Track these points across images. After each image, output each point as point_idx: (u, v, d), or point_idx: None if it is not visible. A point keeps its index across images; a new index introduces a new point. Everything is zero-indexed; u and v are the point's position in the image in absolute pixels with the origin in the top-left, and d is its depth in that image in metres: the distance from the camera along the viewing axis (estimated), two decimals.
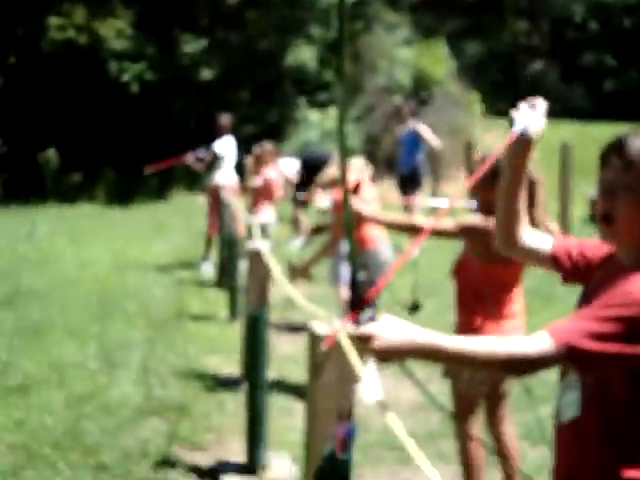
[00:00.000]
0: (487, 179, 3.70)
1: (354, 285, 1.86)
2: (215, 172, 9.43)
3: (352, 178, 6.28)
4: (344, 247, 6.48)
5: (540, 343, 1.75)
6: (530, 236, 2.15)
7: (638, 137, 1.85)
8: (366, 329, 1.80)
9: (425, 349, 1.78)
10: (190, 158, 9.71)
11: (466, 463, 3.76)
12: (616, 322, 1.74)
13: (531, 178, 3.66)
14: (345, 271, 6.48)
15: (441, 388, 4.52)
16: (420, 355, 1.80)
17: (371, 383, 5.50)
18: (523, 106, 2.05)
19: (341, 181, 1.96)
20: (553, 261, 2.10)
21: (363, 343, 1.79)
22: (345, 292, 6.41)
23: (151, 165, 10.15)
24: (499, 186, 2.14)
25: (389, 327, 1.79)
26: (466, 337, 1.82)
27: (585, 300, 1.98)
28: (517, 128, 2.01)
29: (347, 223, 1.99)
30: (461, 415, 3.77)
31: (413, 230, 3.55)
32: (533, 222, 3.66)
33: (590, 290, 2.00)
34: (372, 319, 1.83)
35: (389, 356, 1.79)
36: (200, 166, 9.69)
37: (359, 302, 1.85)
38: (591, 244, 2.12)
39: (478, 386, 3.75)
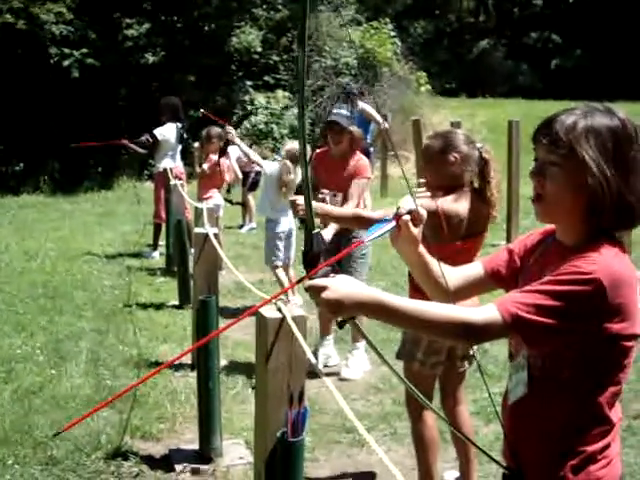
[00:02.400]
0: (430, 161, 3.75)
1: (310, 241, 1.83)
2: (161, 158, 9.28)
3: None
4: (280, 227, 6.49)
5: (488, 313, 1.76)
6: (457, 275, 2.15)
7: (564, 115, 1.86)
8: (320, 281, 1.78)
9: (377, 306, 1.77)
10: (125, 142, 9.53)
11: (418, 443, 3.78)
12: (565, 298, 1.74)
13: (483, 157, 3.69)
14: (280, 251, 6.50)
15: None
16: (372, 312, 1.79)
17: (358, 361, 5.53)
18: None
19: (303, 164, 1.93)
20: (493, 276, 2.12)
21: (316, 294, 1.77)
22: (280, 272, 6.44)
23: (83, 143, 9.94)
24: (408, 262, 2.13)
25: (342, 281, 1.78)
26: (420, 301, 1.81)
27: (522, 282, 1.98)
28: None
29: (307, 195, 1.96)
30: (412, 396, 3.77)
31: (360, 221, 3.54)
32: (486, 201, 3.70)
33: (526, 272, 2.01)
34: (328, 275, 1.81)
35: (340, 309, 1.77)
36: (141, 150, 9.52)
37: (314, 258, 1.82)
38: (516, 242, 2.16)
39: (432, 368, 3.77)
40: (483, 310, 1.77)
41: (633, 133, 1.86)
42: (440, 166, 3.71)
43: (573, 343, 1.80)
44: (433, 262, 2.11)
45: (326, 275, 1.81)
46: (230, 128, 7.80)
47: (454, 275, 2.14)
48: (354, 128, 5.87)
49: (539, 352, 1.89)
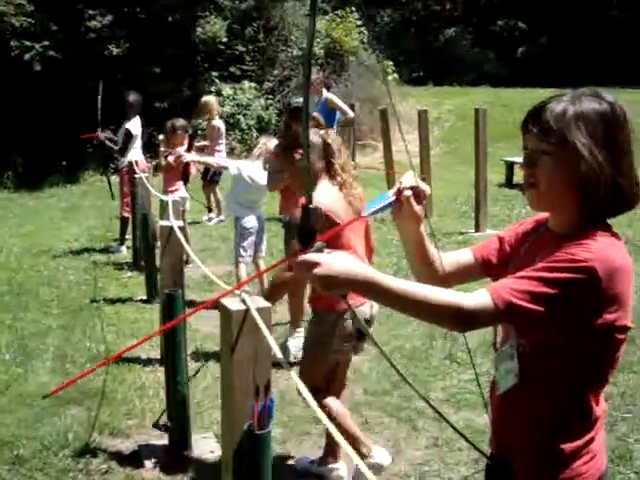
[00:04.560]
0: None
1: (306, 216, 1.80)
2: (126, 152, 9.20)
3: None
4: (250, 223, 6.44)
5: (481, 299, 1.73)
6: (448, 260, 2.12)
7: (553, 103, 1.84)
8: (313, 256, 1.74)
9: (369, 284, 1.72)
10: (102, 136, 9.40)
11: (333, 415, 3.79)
12: (558, 285, 1.71)
13: (325, 141, 3.83)
14: (249, 248, 6.46)
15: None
16: (363, 290, 1.75)
17: None
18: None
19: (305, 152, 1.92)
20: (483, 264, 2.10)
21: (308, 269, 1.73)
22: (242, 268, 6.42)
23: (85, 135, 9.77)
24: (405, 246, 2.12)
25: (337, 257, 1.74)
26: (414, 282, 1.77)
27: (513, 270, 1.94)
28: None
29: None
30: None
31: None
32: (332, 176, 3.81)
33: (517, 260, 1.98)
34: (322, 250, 1.77)
35: (331, 284, 1.73)
36: (113, 147, 9.41)
37: (310, 233, 1.79)
38: (508, 230, 2.13)
39: (347, 354, 3.85)
40: (476, 296, 1.73)
41: (622, 116, 1.85)
42: (291, 168, 4.00)
43: (565, 332, 1.78)
44: (430, 244, 2.08)
45: (320, 250, 1.77)
46: (180, 151, 7.77)
47: (445, 260, 2.11)
48: (317, 114, 5.93)
49: (530, 340, 1.87)
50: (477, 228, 9.61)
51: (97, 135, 9.38)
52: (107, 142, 9.40)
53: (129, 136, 9.15)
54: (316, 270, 1.72)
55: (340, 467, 4.00)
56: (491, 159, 10.71)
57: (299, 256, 1.77)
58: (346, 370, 4.08)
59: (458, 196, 12.00)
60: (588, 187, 1.80)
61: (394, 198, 1.98)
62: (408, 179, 1.98)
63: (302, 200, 3.62)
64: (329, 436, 3.91)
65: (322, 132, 3.90)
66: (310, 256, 1.75)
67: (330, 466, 4.01)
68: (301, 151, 3.83)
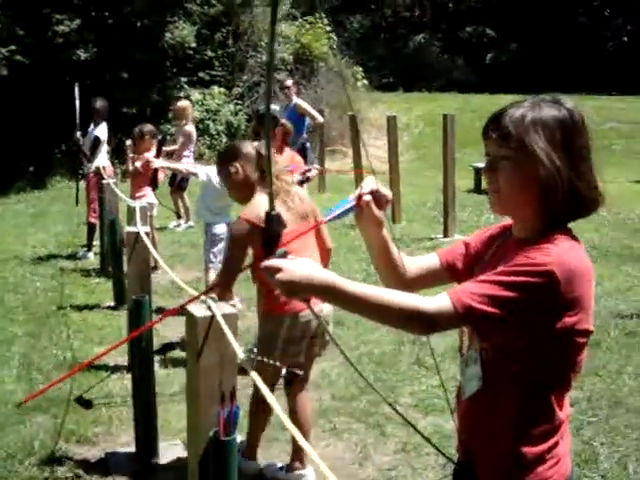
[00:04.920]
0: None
1: (269, 222, 1.83)
2: (94, 158, 9.14)
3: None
4: (219, 229, 6.42)
5: (441, 302, 1.74)
6: (414, 264, 2.14)
7: (513, 108, 1.86)
8: (275, 261, 1.76)
9: (330, 289, 1.74)
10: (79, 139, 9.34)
11: (252, 426, 3.97)
12: (517, 289, 1.73)
13: (259, 152, 3.98)
14: (216, 255, 6.45)
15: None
16: (324, 295, 1.78)
17: None
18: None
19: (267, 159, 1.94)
20: (449, 269, 2.11)
21: (270, 274, 1.75)
22: (212, 275, 6.41)
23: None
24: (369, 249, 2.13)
25: (299, 263, 1.76)
26: (374, 286, 1.78)
27: (478, 275, 1.96)
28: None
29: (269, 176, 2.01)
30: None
31: None
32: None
33: (482, 266, 1.99)
34: (285, 256, 1.80)
35: (293, 289, 1.76)
36: (81, 154, 9.35)
37: (273, 239, 1.80)
38: (474, 236, 2.14)
39: (293, 357, 3.88)
40: (436, 299, 1.74)
41: (581, 122, 1.86)
42: (227, 181, 4.09)
43: (524, 336, 1.78)
44: (394, 248, 2.09)
45: (283, 256, 1.79)
46: (148, 157, 7.75)
47: (411, 265, 2.12)
48: (285, 121, 5.96)
49: (491, 344, 1.88)
50: (446, 233, 9.66)
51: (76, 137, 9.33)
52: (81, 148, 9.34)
53: (97, 142, 9.09)
54: (278, 275, 1.74)
55: (307, 473, 4.00)
56: (460, 165, 10.79)
57: (262, 262, 1.78)
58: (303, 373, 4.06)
59: (427, 201, 12.07)
60: (547, 192, 1.81)
61: (354, 203, 2.00)
62: (368, 184, 2.00)
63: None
64: (295, 441, 3.93)
65: (256, 144, 4.06)
66: (273, 262, 1.77)
67: (297, 472, 4.00)
68: (237, 164, 3.99)
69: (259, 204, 3.68)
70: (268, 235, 1.83)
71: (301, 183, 6.69)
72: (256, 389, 3.53)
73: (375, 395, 4.77)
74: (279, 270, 1.75)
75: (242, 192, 4.01)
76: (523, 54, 27.93)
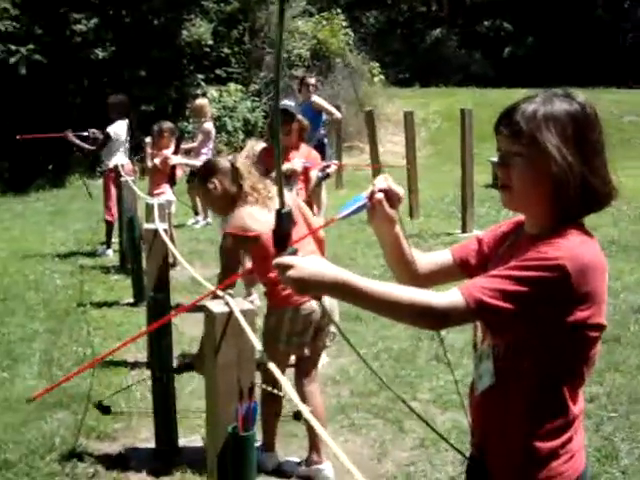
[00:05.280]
0: None
1: (279, 220, 1.85)
2: (111, 155, 9.19)
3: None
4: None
5: (452, 297, 1.74)
6: (427, 261, 2.14)
7: (524, 104, 1.85)
8: (286, 259, 1.78)
9: (341, 286, 1.75)
10: (71, 135, 9.38)
11: (264, 417, 4.00)
12: (529, 283, 1.72)
13: (234, 166, 4.15)
14: None
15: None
16: (335, 291, 1.78)
17: None
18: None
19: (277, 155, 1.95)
20: (462, 265, 2.10)
21: (282, 271, 1.76)
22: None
23: (24, 135, 9.81)
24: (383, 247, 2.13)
25: (310, 261, 1.77)
26: (386, 283, 1.78)
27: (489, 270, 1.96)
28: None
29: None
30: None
31: None
32: (245, 196, 4.04)
33: (495, 262, 1.98)
34: (296, 253, 1.81)
35: (305, 286, 1.77)
36: (85, 146, 9.40)
37: (284, 237, 1.83)
38: (487, 232, 2.14)
39: (297, 348, 3.99)
40: (447, 294, 1.74)
41: (593, 116, 1.85)
42: (208, 196, 4.23)
43: (536, 330, 1.78)
44: (406, 245, 2.08)
45: (294, 253, 1.80)
46: (167, 154, 7.80)
47: (424, 261, 2.12)
48: (301, 117, 5.96)
49: (502, 339, 1.87)
50: (464, 229, 9.64)
51: (66, 134, 9.37)
52: (77, 141, 9.40)
53: (107, 139, 9.13)
54: (289, 272, 1.75)
55: (325, 467, 4.01)
56: (477, 159, 10.74)
57: (274, 260, 1.80)
58: (310, 366, 4.11)
59: (445, 197, 12.03)
60: (559, 187, 1.81)
61: (367, 201, 2.00)
62: (380, 182, 2.00)
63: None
64: (312, 435, 3.99)
65: (230, 157, 4.33)
66: (284, 259, 1.78)
67: (316, 467, 4.02)
68: (214, 179, 4.12)
69: (240, 216, 3.96)
70: (279, 233, 1.84)
71: (321, 180, 6.71)
72: (265, 381, 3.58)
73: (394, 390, 4.77)
74: (290, 267, 1.75)
75: (223, 206, 4.20)
76: (541, 48, 27.76)
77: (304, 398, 4.01)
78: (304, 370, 4.10)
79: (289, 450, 4.30)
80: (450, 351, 5.45)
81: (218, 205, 4.27)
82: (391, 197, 1.99)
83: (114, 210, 9.00)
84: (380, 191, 1.98)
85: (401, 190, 2.01)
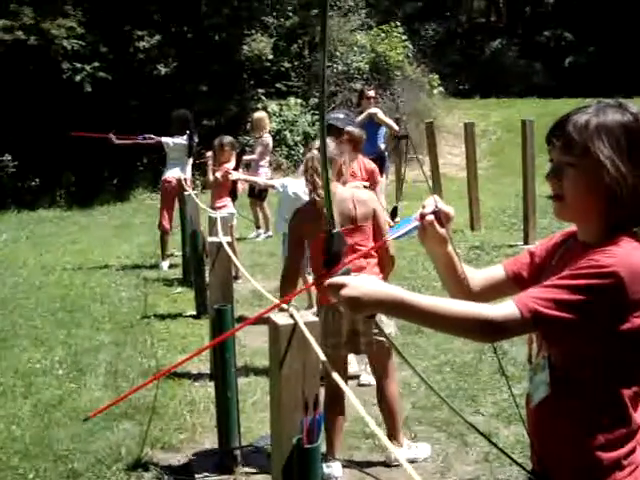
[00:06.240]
0: None
1: (331, 240, 1.89)
2: (168, 167, 9.36)
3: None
4: None
5: (507, 309, 1.73)
6: (480, 277, 2.14)
7: (576, 115, 1.84)
8: (339, 278, 1.80)
9: (396, 303, 1.76)
10: (114, 138, 9.66)
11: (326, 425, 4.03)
12: (583, 292, 1.71)
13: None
14: None
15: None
16: (390, 309, 1.79)
17: None
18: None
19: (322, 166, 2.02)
20: (515, 279, 2.10)
21: (335, 291, 1.78)
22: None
23: (77, 132, 10.14)
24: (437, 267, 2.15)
25: (363, 279, 1.79)
26: (439, 298, 1.79)
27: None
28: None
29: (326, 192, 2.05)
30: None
31: None
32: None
33: (548, 273, 1.96)
34: (349, 273, 1.84)
35: (359, 305, 1.78)
36: (128, 142, 9.73)
37: (336, 257, 1.87)
38: (539, 245, 2.13)
39: (334, 349, 4.04)
40: (502, 306, 1.74)
41: None
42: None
43: (592, 339, 1.76)
44: (459, 263, 2.09)
45: (347, 273, 1.83)
46: (228, 168, 7.95)
47: (477, 277, 2.12)
48: (352, 128, 5.87)
49: (559, 350, 1.86)
50: (526, 240, 9.51)
51: (109, 137, 9.59)
52: (118, 142, 9.71)
53: (158, 144, 9.43)
54: (343, 291, 1.77)
55: (334, 465, 4.09)
56: (539, 170, 10.58)
57: (326, 279, 1.82)
58: (342, 367, 4.17)
59: (506, 208, 11.90)
60: (612, 198, 1.79)
61: (417, 222, 2.01)
62: (430, 203, 2.01)
63: None
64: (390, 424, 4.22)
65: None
66: (337, 278, 1.80)
67: (325, 464, 4.03)
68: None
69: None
70: (329, 253, 1.86)
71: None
72: (328, 384, 3.67)
73: (457, 404, 4.73)
74: (343, 286, 1.77)
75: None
76: (602, 57, 27.27)
77: (380, 392, 4.27)
78: (376, 366, 4.31)
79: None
80: (513, 364, 5.40)
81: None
82: (441, 217, 2.01)
83: (167, 218, 9.19)
84: (430, 213, 2.00)
85: (451, 210, 2.02)
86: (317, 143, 4.91)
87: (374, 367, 4.36)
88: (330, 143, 4.22)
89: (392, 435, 4.17)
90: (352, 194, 4.19)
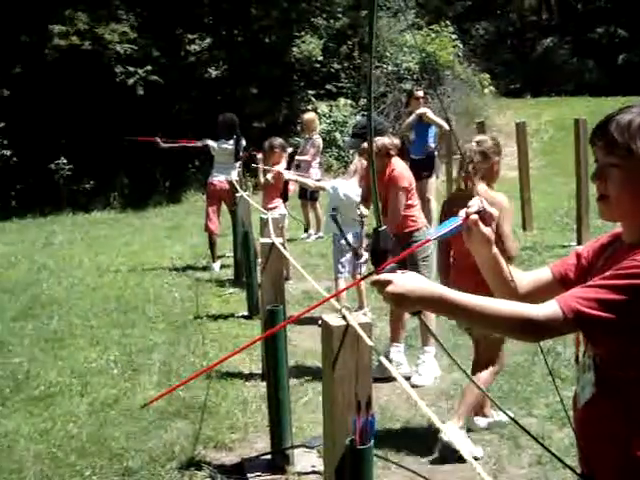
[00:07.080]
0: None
1: (377, 238, 1.93)
2: (214, 170, 9.45)
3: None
4: (343, 241, 6.44)
5: (549, 309, 1.75)
6: (527, 278, 2.14)
7: (619, 115, 1.84)
8: (385, 275, 1.84)
9: (440, 301, 1.80)
10: (160, 142, 9.84)
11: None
12: (625, 291, 1.71)
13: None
14: (344, 265, 6.51)
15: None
16: (434, 306, 1.85)
17: (429, 368, 5.50)
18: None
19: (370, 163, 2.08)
20: (562, 281, 2.10)
21: (381, 288, 1.83)
22: (341, 283, 6.47)
23: (127, 137, 10.37)
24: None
25: (408, 276, 1.83)
26: (483, 297, 1.81)
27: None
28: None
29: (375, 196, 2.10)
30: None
31: None
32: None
33: (594, 274, 1.95)
34: (395, 271, 1.88)
35: (404, 302, 1.83)
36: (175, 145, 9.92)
37: (382, 254, 1.92)
38: (585, 246, 2.14)
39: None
40: (545, 306, 1.76)
41: None
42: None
43: (636, 339, 1.76)
44: (504, 263, 2.10)
45: (393, 271, 1.86)
46: (279, 169, 8.02)
47: (524, 279, 2.13)
48: (382, 138, 5.59)
49: (603, 350, 1.85)
50: (579, 241, 9.37)
51: (156, 141, 9.72)
52: (164, 145, 9.92)
53: (204, 148, 9.59)
54: (389, 288, 1.82)
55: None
56: (592, 170, 10.44)
57: (373, 276, 1.87)
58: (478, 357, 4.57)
59: (559, 208, 11.75)
60: None
61: (462, 222, 2.03)
62: (475, 203, 2.03)
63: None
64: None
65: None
66: (383, 275, 1.85)
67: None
68: None
69: None
70: (376, 250, 1.90)
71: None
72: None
73: (509, 405, 4.69)
74: (389, 283, 1.82)
75: None
76: None
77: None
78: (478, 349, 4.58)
79: (404, 464, 4.28)
80: (566, 366, 5.33)
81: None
82: (484, 217, 2.02)
83: (213, 220, 9.32)
84: (475, 213, 2.02)
85: (495, 211, 2.04)
86: (478, 137, 4.89)
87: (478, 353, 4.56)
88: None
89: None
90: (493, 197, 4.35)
